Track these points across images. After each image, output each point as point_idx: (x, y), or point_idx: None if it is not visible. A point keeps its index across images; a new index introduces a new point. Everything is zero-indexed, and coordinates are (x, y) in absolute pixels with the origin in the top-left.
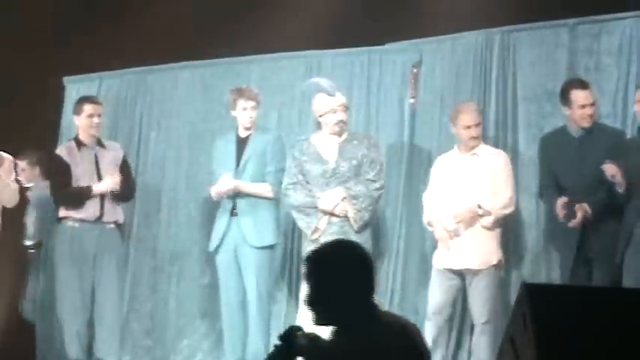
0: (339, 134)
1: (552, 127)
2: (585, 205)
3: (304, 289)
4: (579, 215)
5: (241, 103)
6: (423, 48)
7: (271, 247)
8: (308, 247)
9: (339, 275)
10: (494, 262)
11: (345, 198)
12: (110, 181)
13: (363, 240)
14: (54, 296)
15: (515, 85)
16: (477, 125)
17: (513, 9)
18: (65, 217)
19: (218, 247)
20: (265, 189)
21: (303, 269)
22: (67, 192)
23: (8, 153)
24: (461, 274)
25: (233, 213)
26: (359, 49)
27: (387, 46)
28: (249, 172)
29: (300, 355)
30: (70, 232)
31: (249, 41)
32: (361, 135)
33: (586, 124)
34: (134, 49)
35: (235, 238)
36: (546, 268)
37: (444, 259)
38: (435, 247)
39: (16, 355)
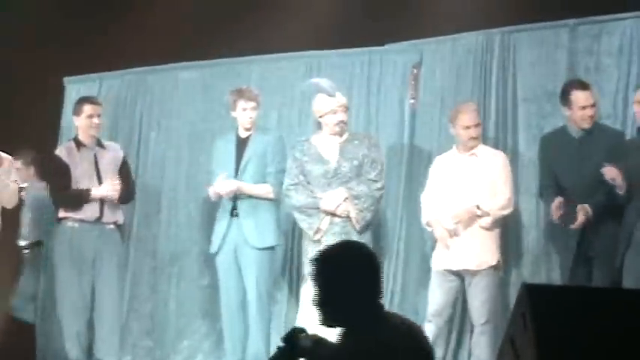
0: (340, 134)
1: (552, 128)
2: (587, 206)
3: (312, 290)
4: (581, 216)
5: (241, 103)
6: (423, 48)
7: (272, 248)
8: (309, 248)
9: (347, 276)
10: (493, 262)
11: (347, 198)
12: (110, 187)
13: (365, 241)
14: (54, 296)
15: (515, 85)
16: (476, 126)
17: (513, 9)
18: (65, 218)
19: (219, 248)
20: (266, 190)
21: (310, 270)
22: (65, 194)
23: (7, 153)
24: (460, 275)
25: (233, 214)
26: (359, 49)
27: (387, 47)
28: (249, 172)
29: (303, 357)
30: (70, 233)
31: (249, 41)
32: (362, 135)
33: (586, 125)
34: (134, 50)
35: (235, 238)
36: (546, 269)
37: (442, 260)
38: (435, 248)
39: (16, 356)
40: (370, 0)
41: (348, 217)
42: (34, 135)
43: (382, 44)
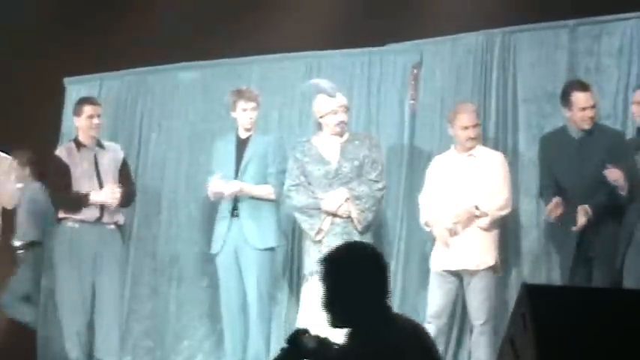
0: (340, 135)
1: (552, 128)
2: (587, 207)
3: (319, 291)
4: (582, 218)
5: (241, 104)
6: (424, 49)
7: (272, 248)
8: (310, 248)
9: (355, 277)
10: (492, 263)
11: (348, 199)
12: (109, 194)
13: (366, 241)
14: (54, 297)
15: (515, 86)
16: (474, 126)
17: (514, 10)
18: (65, 218)
19: (219, 249)
20: (268, 191)
21: (318, 271)
22: (65, 197)
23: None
24: (459, 275)
25: (234, 214)
26: (359, 49)
27: (387, 47)
28: (250, 173)
29: (308, 358)
30: (70, 233)
31: (250, 42)
32: (362, 135)
33: (586, 126)
34: (135, 50)
35: (236, 239)
36: (546, 269)
37: (441, 261)
38: (433, 248)
39: (16, 356)
40: (371, 0)
41: (349, 218)
42: (34, 135)
43: (383, 44)
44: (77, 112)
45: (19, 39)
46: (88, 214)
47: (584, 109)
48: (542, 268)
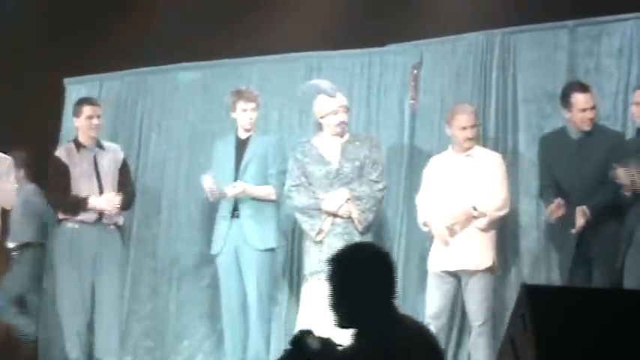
0: (341, 135)
1: (552, 129)
2: (585, 208)
3: (327, 291)
4: (580, 219)
5: (241, 104)
6: (424, 49)
7: (272, 249)
8: (311, 249)
9: (362, 277)
10: (490, 263)
11: (349, 199)
12: (109, 201)
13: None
14: (54, 297)
15: (515, 86)
16: (472, 127)
17: (514, 10)
18: (65, 219)
19: (219, 249)
20: (269, 191)
21: (325, 271)
22: (63, 200)
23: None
24: (456, 276)
25: (234, 215)
26: (359, 50)
27: (387, 47)
28: (250, 174)
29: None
30: (70, 234)
31: (250, 42)
32: (363, 136)
33: (586, 127)
34: (135, 50)
35: (236, 239)
36: (546, 269)
37: (439, 261)
38: (431, 249)
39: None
40: (371, 0)
41: (350, 218)
42: (34, 136)
43: (383, 45)
44: (76, 113)
45: (19, 39)
46: (88, 214)
47: (583, 110)
48: (542, 268)
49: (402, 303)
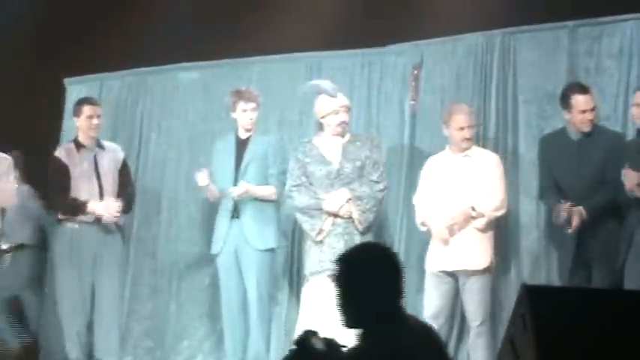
0: (342, 135)
1: (552, 129)
2: (581, 209)
3: (334, 291)
4: (576, 219)
5: (241, 104)
6: (424, 49)
7: (272, 249)
8: (311, 249)
9: (369, 278)
10: (488, 264)
11: (349, 199)
12: (108, 209)
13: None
14: (54, 297)
15: (515, 86)
16: (470, 127)
17: (514, 11)
18: (65, 219)
19: (220, 249)
20: (270, 191)
21: (333, 271)
22: (62, 202)
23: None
24: (454, 276)
25: (234, 215)
26: (359, 50)
27: (387, 48)
28: (250, 174)
29: None
30: (70, 233)
31: (250, 42)
32: (364, 136)
33: (586, 128)
34: (135, 51)
35: (236, 239)
36: (546, 269)
37: (437, 261)
38: (428, 249)
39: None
40: (371, 1)
41: (350, 218)
42: (34, 136)
43: (383, 45)
44: (76, 113)
45: (19, 39)
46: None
47: (583, 111)
48: (542, 268)
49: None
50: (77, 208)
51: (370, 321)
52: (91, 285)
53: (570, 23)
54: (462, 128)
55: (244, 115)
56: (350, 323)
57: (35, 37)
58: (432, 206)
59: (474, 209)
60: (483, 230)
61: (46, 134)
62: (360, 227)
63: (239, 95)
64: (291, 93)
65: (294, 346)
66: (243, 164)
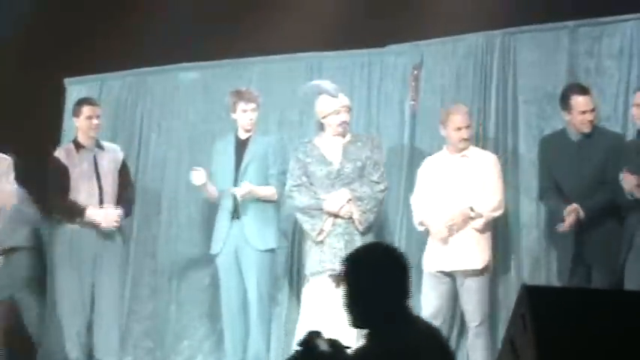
0: (343, 135)
1: (552, 129)
2: (577, 206)
3: (342, 291)
4: (571, 217)
5: (241, 105)
6: (424, 50)
7: (273, 249)
8: (312, 249)
9: (378, 278)
10: (485, 263)
11: (350, 200)
12: (108, 218)
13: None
14: (53, 298)
15: (515, 87)
16: (467, 127)
17: (514, 11)
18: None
19: (220, 249)
20: (272, 192)
21: (340, 271)
22: (61, 206)
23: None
24: (452, 276)
25: (235, 215)
26: (360, 50)
27: (387, 48)
28: (250, 174)
29: None
30: (70, 234)
31: (250, 42)
32: (365, 137)
33: (586, 129)
34: (135, 51)
35: (237, 240)
36: (546, 270)
37: (435, 262)
38: (425, 249)
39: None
40: (371, 1)
41: (351, 219)
42: (34, 137)
43: (383, 45)
44: (76, 113)
45: (19, 39)
46: None
47: (583, 112)
48: (542, 268)
49: None
50: (75, 213)
51: (377, 321)
52: (91, 285)
53: (570, 23)
54: (459, 128)
55: (244, 116)
56: (357, 323)
57: (35, 37)
58: (430, 206)
59: (472, 210)
60: (482, 231)
61: (46, 135)
62: (361, 227)
63: (239, 96)
64: (291, 93)
65: (298, 347)
66: (243, 165)
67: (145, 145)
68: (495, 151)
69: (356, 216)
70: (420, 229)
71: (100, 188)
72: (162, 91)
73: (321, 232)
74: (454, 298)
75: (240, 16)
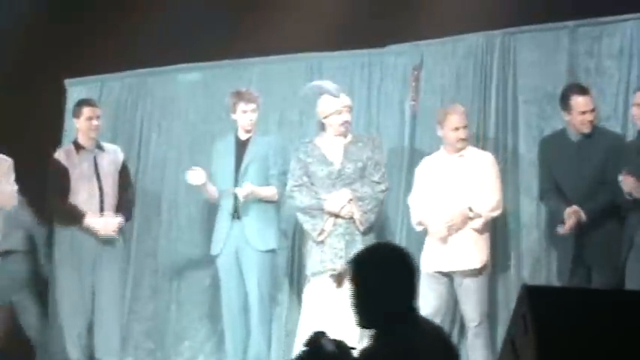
0: (344, 135)
1: (552, 130)
2: (577, 208)
3: (349, 291)
4: (572, 219)
5: (241, 106)
6: (424, 50)
7: (273, 250)
8: (313, 249)
9: (385, 278)
10: (482, 263)
11: (351, 200)
12: (107, 226)
13: (368, 242)
14: (54, 299)
15: (515, 87)
16: (464, 127)
17: (514, 11)
18: None
19: (220, 250)
20: (273, 192)
21: (347, 271)
22: (61, 208)
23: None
24: (450, 277)
25: (235, 216)
26: (360, 51)
27: (387, 48)
28: (250, 175)
29: None
30: (71, 235)
31: (250, 42)
32: (366, 137)
33: (586, 129)
34: (135, 52)
35: (237, 240)
36: (546, 270)
37: (433, 262)
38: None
39: (16, 358)
40: (371, 1)
41: (351, 219)
42: (35, 138)
43: (383, 46)
44: (76, 114)
45: (19, 40)
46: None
47: (583, 112)
48: (542, 269)
49: None
50: (74, 218)
51: (384, 321)
52: (92, 286)
53: (570, 23)
54: (456, 128)
55: (244, 117)
56: (364, 323)
57: (36, 37)
58: (428, 206)
59: (471, 210)
60: (480, 231)
61: (47, 136)
62: (362, 228)
63: (239, 96)
64: (291, 93)
65: (304, 347)
66: (243, 165)
67: (145, 145)
68: (495, 151)
69: (357, 216)
70: (418, 229)
71: (101, 189)
72: (163, 92)
73: (322, 232)
74: (453, 298)
75: (240, 16)
